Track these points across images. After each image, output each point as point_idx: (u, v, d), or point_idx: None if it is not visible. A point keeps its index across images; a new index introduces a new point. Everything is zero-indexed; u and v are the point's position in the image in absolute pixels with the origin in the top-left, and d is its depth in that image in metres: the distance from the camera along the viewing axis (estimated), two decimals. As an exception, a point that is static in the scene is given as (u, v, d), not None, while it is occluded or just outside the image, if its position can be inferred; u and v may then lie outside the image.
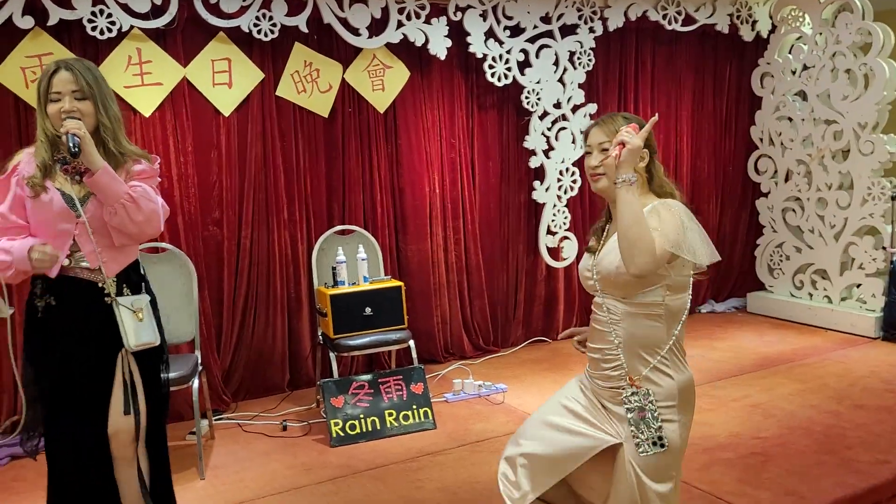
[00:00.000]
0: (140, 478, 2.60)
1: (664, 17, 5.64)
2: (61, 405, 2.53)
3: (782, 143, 6.11)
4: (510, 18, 5.10)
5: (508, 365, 5.23)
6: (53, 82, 2.40)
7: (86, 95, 2.43)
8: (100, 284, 2.50)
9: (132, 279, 2.59)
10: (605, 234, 2.42)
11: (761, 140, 6.29)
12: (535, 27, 5.20)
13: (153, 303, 2.64)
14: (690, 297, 2.35)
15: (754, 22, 6.03)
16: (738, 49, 6.21)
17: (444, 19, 4.88)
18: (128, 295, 2.54)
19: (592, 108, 5.48)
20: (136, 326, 2.49)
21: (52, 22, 3.95)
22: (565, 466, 2.36)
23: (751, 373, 4.87)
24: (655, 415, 2.25)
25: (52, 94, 2.41)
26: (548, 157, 5.40)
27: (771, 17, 6.07)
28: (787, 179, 6.12)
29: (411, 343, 4.36)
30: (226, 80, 4.47)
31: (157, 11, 4.16)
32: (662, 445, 2.24)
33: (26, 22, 3.89)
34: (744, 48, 6.20)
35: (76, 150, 2.33)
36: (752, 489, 3.34)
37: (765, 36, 6.11)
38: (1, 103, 3.99)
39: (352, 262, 4.41)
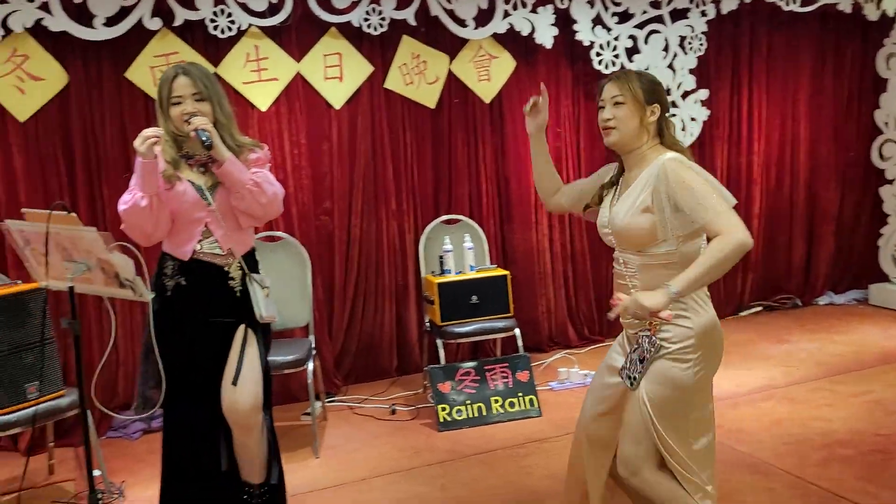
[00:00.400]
0: (268, 440, 2.77)
1: (781, -3, 5.43)
2: (179, 384, 2.72)
3: (910, 128, 5.79)
4: (618, 4, 5.04)
5: (614, 355, 5.18)
6: (174, 87, 2.60)
7: (204, 97, 2.62)
8: (226, 269, 2.69)
9: (250, 265, 2.78)
10: (616, 188, 2.48)
11: (886, 124, 5.97)
12: (644, 12, 5.12)
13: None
14: (705, 239, 2.36)
15: (879, 0, 5.72)
16: (862, 29, 5.91)
17: (550, 8, 4.87)
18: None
19: (704, 93, 5.36)
20: (265, 300, 2.70)
21: (177, 23, 4.18)
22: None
23: (872, 368, 4.66)
24: (652, 361, 2.34)
25: (173, 97, 2.60)
26: (656, 145, 5.30)
27: (898, -6, 5.75)
28: (914, 166, 5.80)
29: (517, 331, 4.40)
30: (337, 73, 4.61)
31: (273, 10, 4.34)
32: (632, 385, 2.37)
33: (154, 23, 4.14)
34: (868, 28, 5.90)
35: (209, 142, 2.51)
36: (875, 487, 3.21)
37: (891, 15, 5.78)
38: (132, 100, 4.26)
39: (458, 251, 4.49)
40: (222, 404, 2.70)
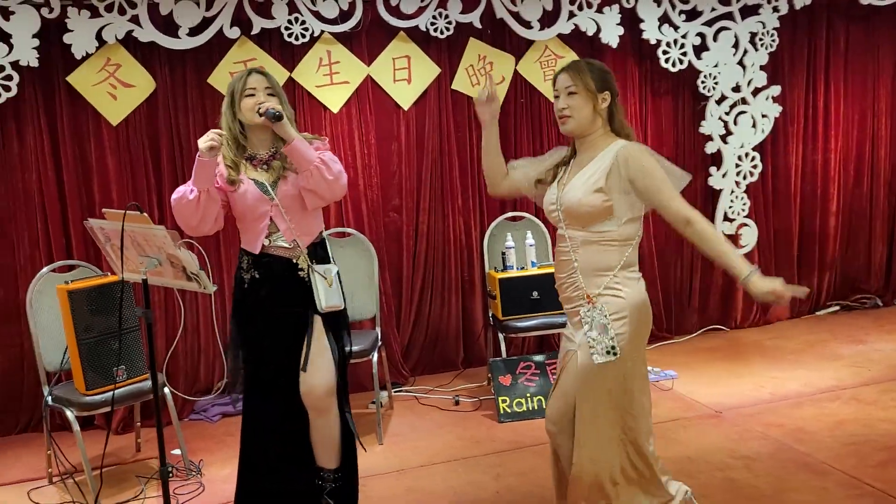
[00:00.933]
0: (343, 421, 2.94)
1: (859, -10, 5.30)
2: (253, 376, 2.92)
3: None
4: (686, 2, 5.03)
5: (680, 352, 5.19)
6: (248, 82, 2.80)
7: (274, 93, 2.82)
8: (294, 261, 2.85)
9: (319, 254, 2.93)
10: (567, 168, 2.64)
11: (975, 119, 5.73)
12: (713, 10, 5.09)
13: (338, 274, 2.96)
14: (642, 223, 2.62)
15: (967, -11, 5.50)
16: (948, 19, 5.70)
17: (616, 7, 4.91)
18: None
19: (776, 90, 5.29)
20: (326, 290, 2.83)
21: (255, 31, 4.44)
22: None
23: (948, 371, 4.52)
24: (614, 327, 2.50)
25: (247, 90, 2.79)
26: (725, 143, 5.28)
27: None
28: None
29: (577, 327, 4.46)
30: (405, 76, 4.79)
31: (344, 16, 4.55)
32: (615, 354, 2.50)
33: (234, 32, 4.41)
34: (955, 18, 5.68)
35: (279, 113, 2.69)
36: (934, 491, 3.16)
37: (980, 4, 5.56)
38: (214, 105, 4.53)
39: (520, 248, 4.59)
40: (300, 389, 2.85)
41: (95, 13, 4.19)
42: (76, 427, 3.59)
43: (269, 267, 2.86)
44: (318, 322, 2.88)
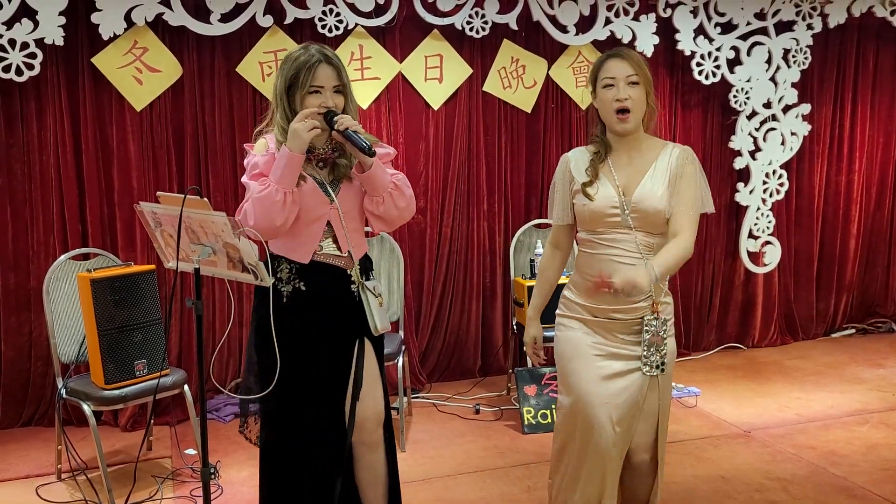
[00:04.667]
0: (389, 459, 2.59)
1: (892, 13, 5.26)
2: (303, 394, 2.49)
3: None
4: (722, 15, 4.97)
5: (701, 369, 5.12)
6: (317, 75, 2.36)
7: (341, 90, 2.42)
8: (348, 271, 2.50)
9: (366, 268, 2.59)
10: (607, 166, 2.46)
11: None
12: (749, 24, 5.03)
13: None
14: None
15: None
16: (976, 47, 5.70)
17: (652, 16, 4.84)
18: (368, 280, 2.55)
19: (806, 108, 5.24)
20: (378, 311, 2.49)
21: (288, 21, 4.31)
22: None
23: (975, 398, 4.48)
24: (665, 340, 2.45)
25: (313, 86, 2.37)
26: (754, 159, 5.22)
27: None
28: None
29: (605, 339, 4.37)
30: (437, 75, 4.68)
31: (379, 10, 4.44)
32: (662, 370, 2.47)
33: (266, 21, 4.28)
34: (983, 46, 5.68)
35: (371, 150, 2.32)
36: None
37: None
38: (241, 94, 4.41)
39: (550, 256, 4.49)
40: (352, 423, 2.50)
41: (126, -7, 4.06)
42: (93, 421, 3.44)
43: (320, 278, 2.47)
44: (368, 345, 2.55)
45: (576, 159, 2.56)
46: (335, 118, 2.35)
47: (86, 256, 3.96)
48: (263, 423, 2.56)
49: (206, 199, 2.24)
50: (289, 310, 2.46)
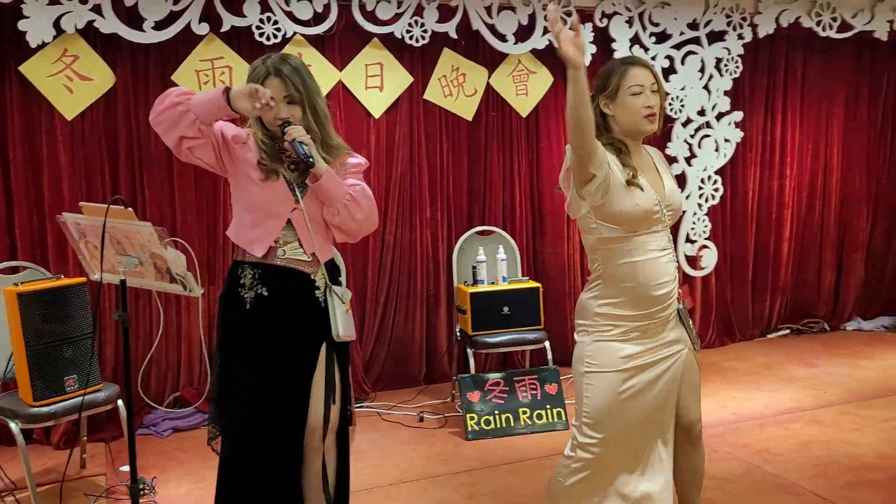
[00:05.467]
0: (323, 469, 2.56)
1: (818, 23, 5.45)
2: (263, 399, 2.46)
3: (944, 156, 5.78)
4: (656, 25, 5.08)
5: (641, 372, 5.19)
6: (267, 86, 2.36)
7: (294, 100, 2.40)
8: (312, 276, 2.47)
9: (333, 274, 2.56)
10: (633, 171, 2.45)
11: (920, 152, 5.97)
12: (682, 34, 5.15)
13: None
14: None
15: (916, 28, 5.73)
16: (898, 56, 5.93)
17: (589, 26, 4.92)
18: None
19: (738, 115, 5.38)
20: (343, 317, 2.47)
21: (224, 28, 4.26)
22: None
23: (902, 395, 4.64)
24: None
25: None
26: (689, 165, 5.34)
27: (936, 23, 5.76)
28: (947, 194, 5.79)
29: (547, 344, 4.42)
30: (377, 83, 4.68)
31: (318, 19, 4.42)
32: (697, 346, 2.63)
33: (202, 28, 4.22)
34: (904, 55, 5.92)
35: (310, 160, 2.32)
36: (906, 513, 3.20)
37: (928, 43, 5.80)
38: (177, 103, 4.33)
39: (491, 262, 4.52)
40: (307, 428, 2.50)
41: (55, 0, 3.96)
42: (21, 440, 3.32)
43: (283, 283, 2.45)
44: (331, 353, 2.52)
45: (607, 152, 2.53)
46: (286, 129, 2.36)
47: (14, 270, 3.84)
48: (224, 432, 2.53)
49: (130, 209, 2.20)
50: (252, 316, 2.45)
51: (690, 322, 2.61)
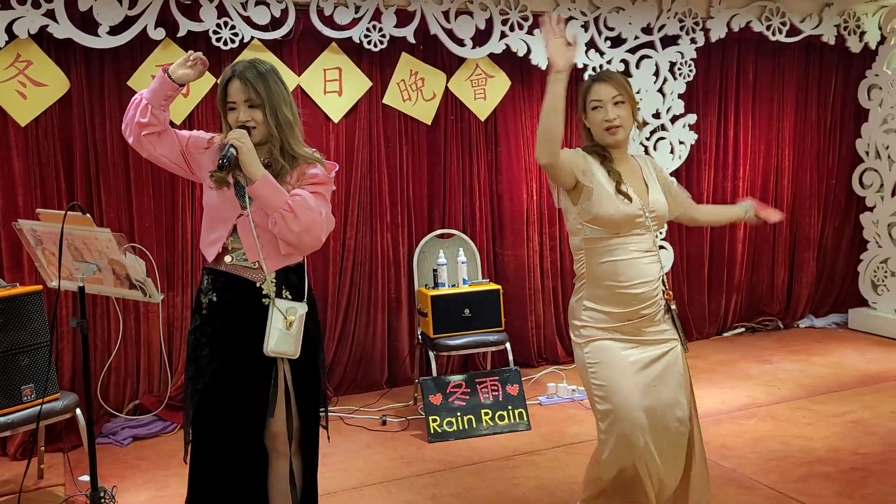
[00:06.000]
0: (291, 475, 2.56)
1: (768, 28, 5.59)
2: (216, 406, 2.47)
3: (889, 157, 5.95)
4: (611, 29, 5.16)
5: (601, 372, 5.26)
6: (229, 91, 2.42)
7: (255, 104, 2.40)
8: (258, 284, 2.45)
9: (292, 282, 2.52)
10: (617, 178, 2.62)
11: (867, 153, 6.14)
12: (636, 38, 5.25)
13: (310, 315, 2.52)
14: None
15: (862, 33, 5.90)
16: (845, 60, 6.10)
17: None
18: (287, 299, 2.47)
19: (692, 118, 5.49)
20: (280, 333, 2.41)
21: (181, 33, 4.24)
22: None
23: (852, 389, 4.76)
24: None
25: (228, 102, 2.43)
26: (645, 167, 5.43)
27: (881, 28, 5.93)
28: (893, 194, 5.95)
29: (508, 345, 4.47)
30: (336, 88, 4.69)
31: (275, 23, 4.42)
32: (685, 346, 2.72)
33: (158, 34, 4.20)
34: (851, 59, 6.08)
35: (225, 163, 2.34)
36: (853, 503, 3.30)
37: (873, 47, 5.97)
38: (133, 108, 4.30)
39: (452, 265, 4.56)
40: (266, 435, 2.51)
41: (7, 5, 3.90)
42: (-24, 451, 3.28)
43: (228, 289, 2.46)
44: (284, 362, 2.49)
45: (589, 158, 2.65)
46: (229, 132, 2.40)
47: (-32, 278, 3.78)
48: (186, 436, 2.55)
49: (88, 215, 2.19)
50: (207, 321, 2.49)
51: (679, 324, 2.73)
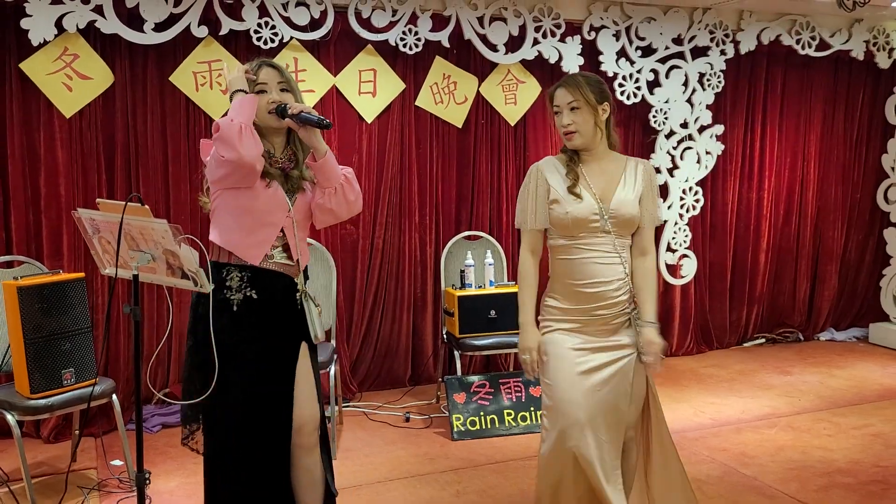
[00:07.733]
0: (325, 462, 2.65)
1: (798, 41, 5.63)
2: (251, 398, 2.52)
3: (915, 173, 5.98)
4: (642, 39, 5.22)
5: (621, 377, 5.31)
6: (259, 76, 2.48)
7: (287, 88, 2.51)
8: (294, 279, 2.56)
9: (307, 277, 2.67)
10: (582, 178, 2.65)
11: (893, 168, 6.16)
12: (667, 48, 5.30)
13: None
14: None
15: (891, 49, 5.93)
16: (873, 76, 6.13)
17: (578, 38, 5.05)
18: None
19: (719, 129, 5.54)
20: (318, 320, 2.58)
21: (223, 32, 4.34)
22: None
23: (872, 402, 4.79)
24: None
25: (258, 85, 2.47)
26: (672, 176, 5.49)
27: (910, 44, 5.97)
28: (918, 210, 5.99)
29: (532, 347, 4.52)
30: (370, 89, 4.78)
31: (314, 25, 4.51)
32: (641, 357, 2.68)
33: (201, 31, 4.30)
34: (879, 75, 6.11)
35: (327, 122, 2.41)
36: (875, 514, 3.34)
37: (902, 63, 6.01)
38: (174, 104, 4.41)
39: (479, 267, 4.63)
40: (293, 426, 2.56)
41: (57, 0, 4.02)
42: (17, 432, 3.37)
43: (272, 286, 2.51)
44: (305, 351, 2.60)
45: (547, 168, 2.71)
46: (287, 107, 2.43)
47: (9, 264, 3.89)
48: (209, 431, 2.58)
49: (147, 206, 2.28)
50: (240, 318, 2.49)
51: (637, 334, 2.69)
